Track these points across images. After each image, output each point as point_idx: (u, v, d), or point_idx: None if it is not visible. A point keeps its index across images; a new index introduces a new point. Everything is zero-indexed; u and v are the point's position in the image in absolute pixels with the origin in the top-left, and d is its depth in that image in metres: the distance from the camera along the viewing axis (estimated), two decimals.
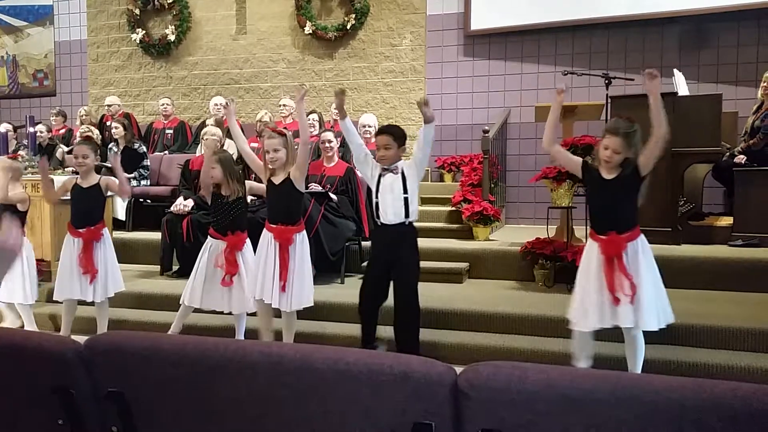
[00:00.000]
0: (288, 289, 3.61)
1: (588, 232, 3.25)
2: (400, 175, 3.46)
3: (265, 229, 3.75)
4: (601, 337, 3.35)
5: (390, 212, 3.47)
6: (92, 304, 4.16)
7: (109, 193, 4.22)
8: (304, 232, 3.73)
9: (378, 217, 3.55)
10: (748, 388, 1.11)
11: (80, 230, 4.05)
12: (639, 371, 3.12)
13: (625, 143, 3.00)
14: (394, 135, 3.46)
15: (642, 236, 3.10)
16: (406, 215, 3.44)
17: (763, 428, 1.09)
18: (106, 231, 4.17)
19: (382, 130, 3.53)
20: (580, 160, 3.31)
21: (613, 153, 3.02)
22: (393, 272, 3.51)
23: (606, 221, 3.10)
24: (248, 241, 3.96)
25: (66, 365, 1.55)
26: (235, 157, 6.40)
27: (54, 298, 4.25)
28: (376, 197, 3.54)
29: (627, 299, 2.97)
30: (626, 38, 7.01)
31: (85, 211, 4.11)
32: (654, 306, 2.99)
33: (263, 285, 3.67)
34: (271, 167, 3.69)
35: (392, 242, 3.50)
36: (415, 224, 3.60)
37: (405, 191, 3.43)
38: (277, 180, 3.69)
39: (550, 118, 3.41)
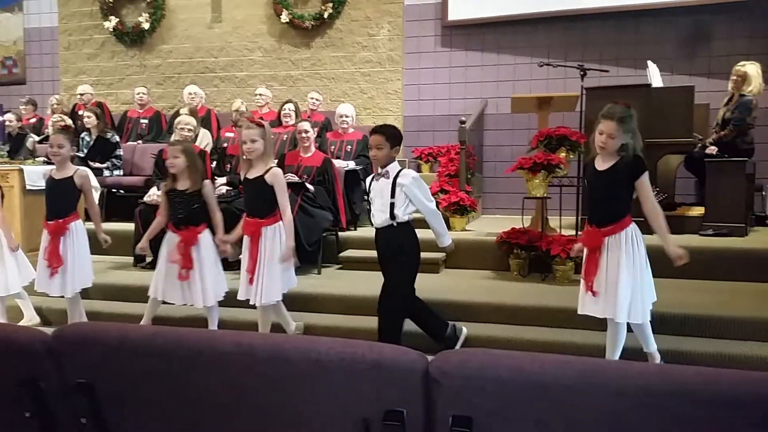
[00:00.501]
0: (256, 283, 3.58)
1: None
2: (391, 180, 3.42)
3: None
4: (585, 326, 3.41)
5: (377, 216, 3.48)
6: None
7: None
8: (278, 225, 3.67)
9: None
10: (711, 372, 1.14)
11: (50, 222, 3.98)
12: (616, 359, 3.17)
13: (620, 127, 2.96)
14: (386, 135, 3.42)
15: (629, 229, 3.04)
16: (392, 218, 3.42)
17: (728, 411, 1.11)
18: (78, 224, 4.07)
19: (375, 130, 3.49)
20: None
21: (608, 137, 2.97)
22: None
23: (592, 213, 3.13)
24: (207, 233, 3.88)
25: (34, 357, 1.52)
26: (209, 148, 6.36)
27: (35, 290, 4.19)
28: (368, 203, 3.57)
29: (590, 291, 3.04)
30: (602, 30, 7.07)
31: (56, 202, 4.02)
32: (627, 299, 3.01)
33: (242, 284, 3.67)
34: (247, 158, 3.64)
35: (383, 243, 3.52)
36: None
37: (392, 196, 3.40)
38: (252, 175, 3.64)
39: None
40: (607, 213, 3.06)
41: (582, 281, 3.19)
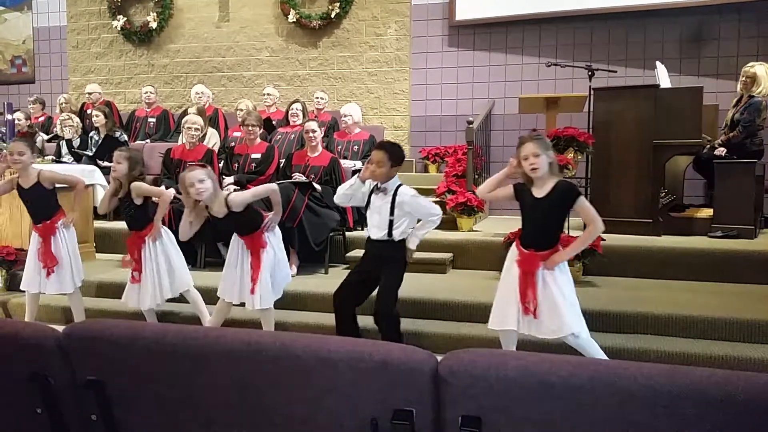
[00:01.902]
0: (258, 289, 3.58)
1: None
2: (390, 198, 3.40)
3: (234, 234, 3.71)
4: (594, 327, 3.39)
5: (375, 231, 3.46)
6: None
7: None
8: (269, 233, 3.68)
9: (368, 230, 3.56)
10: (722, 374, 1.13)
11: (38, 225, 4.00)
12: None
13: (539, 144, 3.03)
14: (389, 153, 3.39)
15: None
16: (389, 235, 3.41)
17: (737, 412, 1.10)
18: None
19: (380, 146, 3.48)
20: (510, 187, 3.29)
21: (533, 157, 3.02)
22: (379, 279, 3.48)
23: (530, 237, 3.14)
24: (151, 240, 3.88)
25: (44, 354, 1.53)
26: (216, 148, 6.39)
27: (20, 288, 4.21)
28: (365, 212, 3.54)
29: (531, 313, 3.03)
30: (609, 30, 7.05)
31: (35, 208, 4.02)
32: (572, 311, 3.04)
33: (236, 288, 3.65)
34: (201, 201, 3.50)
35: (377, 255, 3.49)
36: None
37: (391, 214, 3.39)
38: (222, 214, 3.54)
39: (497, 177, 3.35)
40: (547, 238, 3.10)
41: (500, 296, 3.20)
